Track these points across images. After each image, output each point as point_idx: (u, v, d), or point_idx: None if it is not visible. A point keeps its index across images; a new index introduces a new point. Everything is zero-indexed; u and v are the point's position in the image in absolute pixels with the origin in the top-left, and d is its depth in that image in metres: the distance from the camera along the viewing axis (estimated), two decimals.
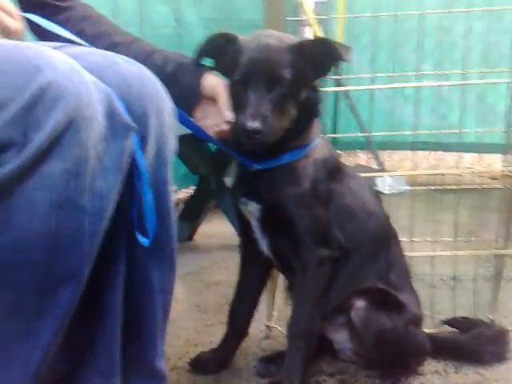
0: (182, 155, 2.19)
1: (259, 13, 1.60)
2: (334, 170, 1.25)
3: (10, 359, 0.82)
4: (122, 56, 0.99)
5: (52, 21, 1.15)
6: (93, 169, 0.80)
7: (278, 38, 1.16)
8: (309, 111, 1.19)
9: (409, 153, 3.09)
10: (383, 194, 1.75)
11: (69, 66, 0.79)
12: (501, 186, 1.55)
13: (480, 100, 2.84)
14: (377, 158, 2.99)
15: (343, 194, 1.24)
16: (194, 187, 2.55)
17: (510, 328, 1.42)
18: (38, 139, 0.74)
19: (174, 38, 2.46)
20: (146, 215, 0.92)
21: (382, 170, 3.00)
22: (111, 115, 0.82)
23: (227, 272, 2.00)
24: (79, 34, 1.17)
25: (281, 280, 1.53)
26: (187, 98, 1.17)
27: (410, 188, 2.17)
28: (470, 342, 1.34)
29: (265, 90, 1.10)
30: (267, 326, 1.49)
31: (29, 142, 0.74)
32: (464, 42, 2.03)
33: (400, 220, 1.72)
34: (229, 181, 2.23)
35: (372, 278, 1.24)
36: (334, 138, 2.59)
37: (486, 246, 1.78)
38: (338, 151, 2.77)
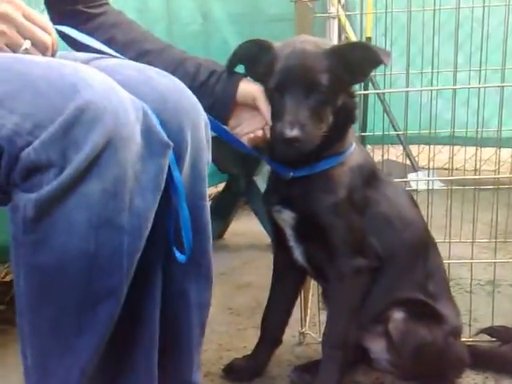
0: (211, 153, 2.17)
1: (287, 7, 1.57)
2: (369, 177, 1.22)
3: (48, 375, 0.82)
4: (154, 68, 0.98)
5: (83, 28, 1.15)
6: (131, 188, 0.79)
7: (314, 43, 1.13)
8: (345, 117, 1.16)
9: (440, 146, 3.01)
10: (416, 190, 1.71)
11: (105, 85, 0.78)
12: None
13: None
14: (409, 155, 2.93)
15: (379, 202, 1.21)
16: (222, 184, 2.53)
17: None
18: (77, 160, 0.73)
19: (201, 34, 2.43)
20: (183, 231, 0.91)
21: (415, 166, 2.94)
22: (148, 133, 0.81)
23: (258, 273, 1.99)
24: (110, 40, 1.17)
25: (313, 285, 1.51)
26: (222, 106, 1.15)
27: (443, 186, 2.12)
28: (510, 354, 1.30)
29: (302, 96, 1.07)
30: (301, 333, 1.47)
31: (68, 163, 0.74)
32: (498, 33, 1.94)
33: (433, 218, 1.68)
34: (259, 181, 2.21)
35: (410, 288, 1.21)
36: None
37: None
38: (368, 146, 2.73)
